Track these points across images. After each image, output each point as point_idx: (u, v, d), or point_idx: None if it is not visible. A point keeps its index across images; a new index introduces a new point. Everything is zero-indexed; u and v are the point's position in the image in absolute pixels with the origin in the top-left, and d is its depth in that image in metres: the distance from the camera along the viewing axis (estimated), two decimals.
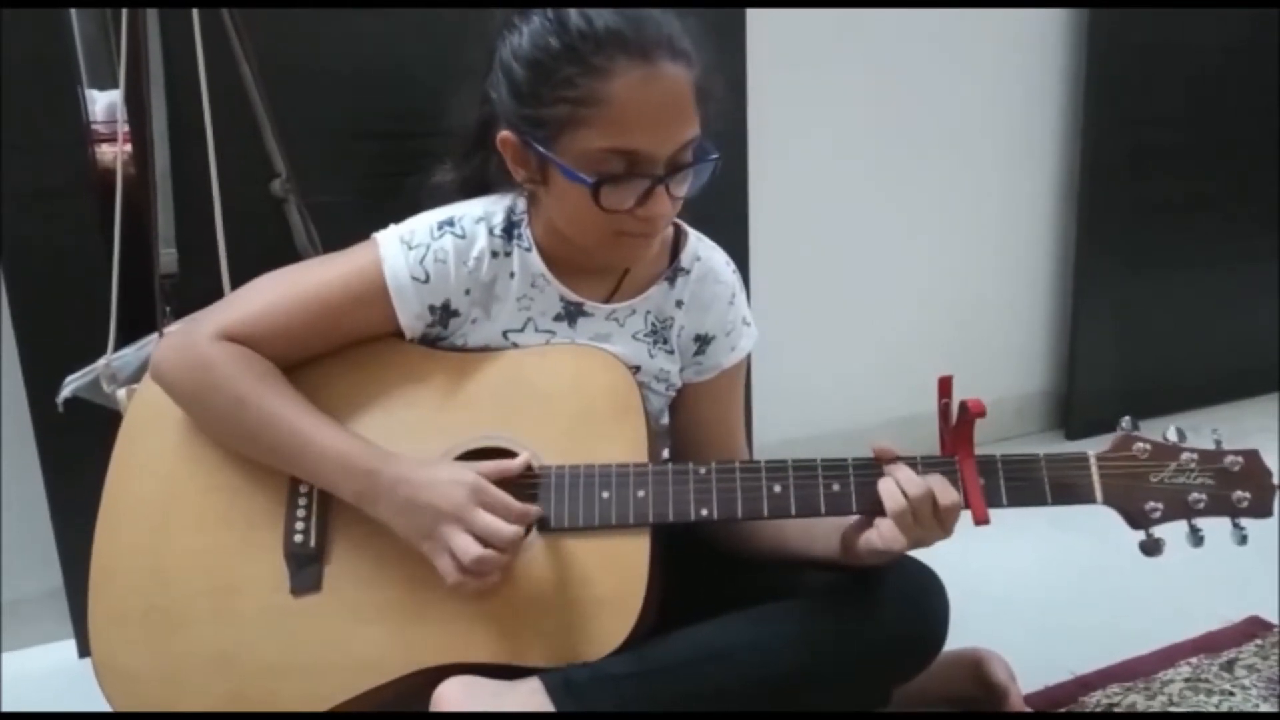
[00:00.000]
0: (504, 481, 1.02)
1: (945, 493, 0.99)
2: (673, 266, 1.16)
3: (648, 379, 1.16)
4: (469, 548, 0.97)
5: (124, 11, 1.30)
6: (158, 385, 1.09)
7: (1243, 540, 1.00)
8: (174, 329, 1.26)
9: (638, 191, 1.00)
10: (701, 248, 1.18)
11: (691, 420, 1.21)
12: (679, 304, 1.16)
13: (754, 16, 1.83)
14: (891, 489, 0.99)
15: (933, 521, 0.99)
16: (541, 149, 1.02)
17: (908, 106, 2.04)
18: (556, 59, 0.98)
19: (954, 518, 1.00)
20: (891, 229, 2.10)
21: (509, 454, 1.06)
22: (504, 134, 1.04)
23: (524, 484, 1.04)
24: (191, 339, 1.06)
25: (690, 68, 1.01)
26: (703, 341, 1.18)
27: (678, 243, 1.17)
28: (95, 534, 1.08)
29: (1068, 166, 2.21)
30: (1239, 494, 1.01)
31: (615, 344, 1.13)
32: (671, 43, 0.99)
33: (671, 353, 1.17)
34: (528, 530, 1.02)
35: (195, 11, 1.31)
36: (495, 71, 1.04)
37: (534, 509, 1.02)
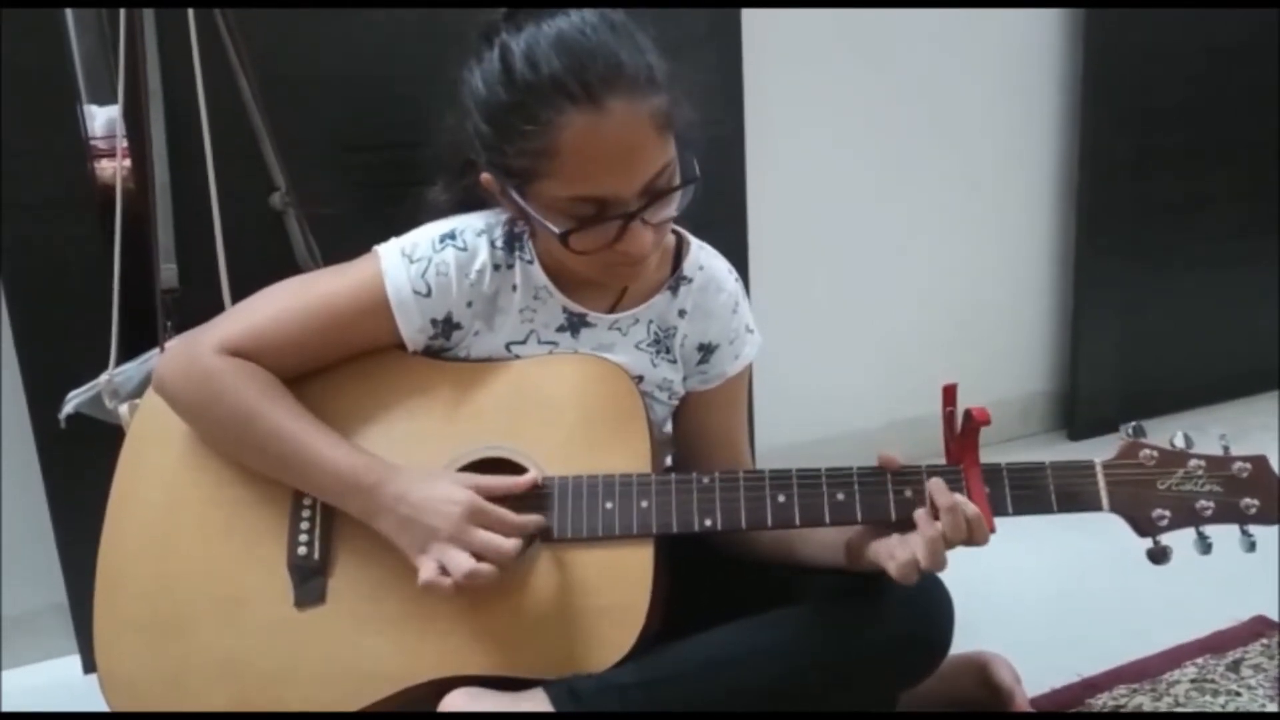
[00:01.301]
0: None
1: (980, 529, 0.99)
2: (675, 275, 1.16)
3: (651, 388, 1.16)
4: (462, 563, 0.97)
5: (121, 13, 1.30)
6: (161, 399, 1.09)
7: (1251, 547, 1.00)
8: (175, 342, 1.26)
9: (612, 230, 1.00)
10: (703, 256, 1.18)
11: (695, 428, 1.21)
12: (682, 313, 1.16)
13: (749, 17, 1.83)
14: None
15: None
16: (515, 195, 1.01)
17: (907, 107, 2.04)
18: (508, 113, 0.97)
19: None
20: (891, 230, 2.09)
21: (512, 464, 1.06)
22: (485, 176, 1.05)
23: (528, 496, 1.04)
24: (194, 352, 1.06)
25: (652, 93, 0.97)
26: (706, 350, 1.18)
27: (679, 251, 1.17)
28: (100, 545, 1.08)
29: (1068, 166, 2.21)
30: (1247, 501, 1.00)
31: (618, 354, 1.13)
32: (621, 73, 0.96)
33: (674, 362, 1.17)
34: (529, 542, 1.02)
35: (192, 24, 1.31)
36: (465, 110, 1.03)
37: (532, 519, 1.01)
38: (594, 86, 0.94)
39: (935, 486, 0.99)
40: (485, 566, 0.97)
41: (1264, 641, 1.44)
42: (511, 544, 0.98)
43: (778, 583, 1.12)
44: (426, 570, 0.98)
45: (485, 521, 0.99)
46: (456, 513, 0.98)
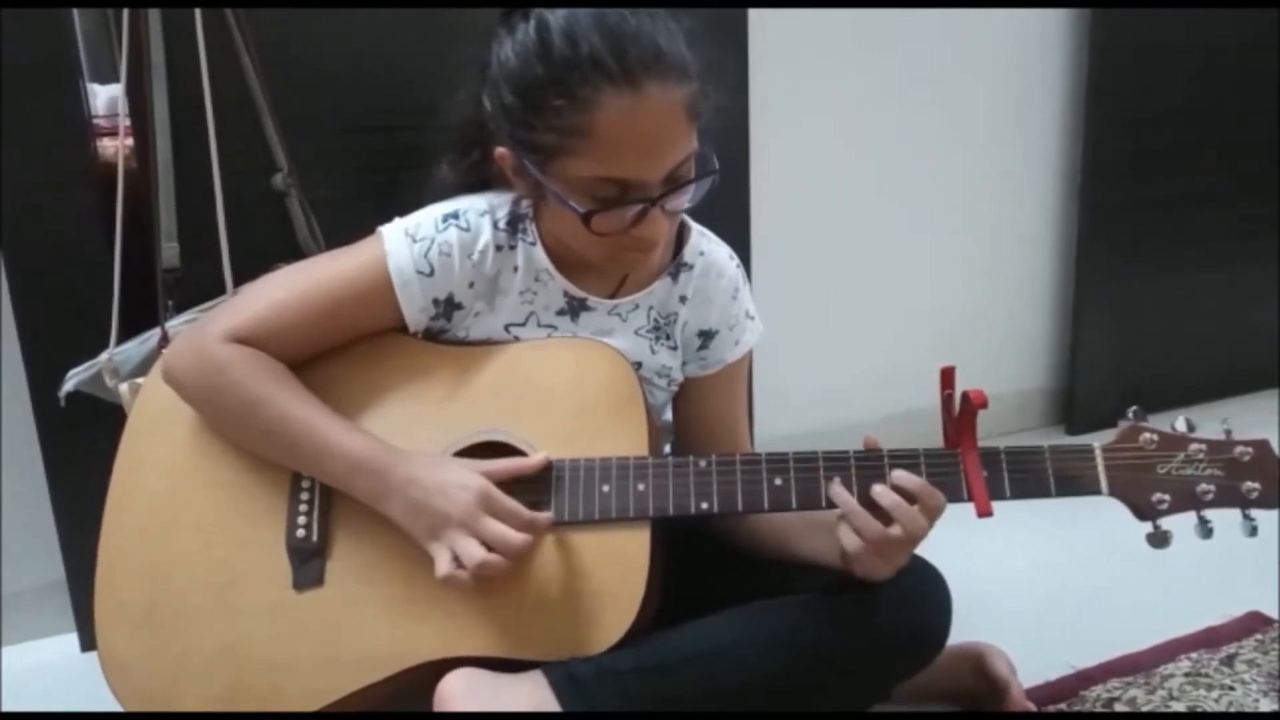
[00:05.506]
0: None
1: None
2: (676, 261, 1.16)
3: (649, 375, 1.16)
4: (474, 553, 0.97)
5: (125, 10, 1.30)
6: (170, 388, 1.09)
7: (1253, 532, 0.99)
8: (180, 326, 1.27)
9: (631, 214, 1.00)
10: (704, 242, 1.18)
11: (695, 415, 1.21)
12: (683, 299, 1.16)
13: (755, 16, 1.83)
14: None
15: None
16: (535, 171, 1.01)
17: (909, 105, 2.04)
18: (542, 87, 0.96)
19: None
20: (893, 227, 2.09)
21: (509, 449, 1.06)
22: (500, 150, 1.04)
23: (529, 476, 1.04)
24: (202, 342, 1.06)
25: (684, 82, 0.98)
26: (706, 337, 1.18)
27: (680, 237, 1.17)
28: (101, 529, 1.08)
29: (1069, 164, 2.21)
30: (1249, 485, 0.99)
31: (617, 339, 1.13)
32: (660, 60, 0.96)
33: (675, 349, 1.17)
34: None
35: (196, 7, 1.31)
36: (488, 81, 1.02)
37: (543, 516, 1.01)
38: (634, 69, 0.95)
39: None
40: (495, 557, 0.97)
41: (1258, 637, 1.44)
42: (520, 538, 0.98)
43: (776, 574, 1.12)
44: (442, 564, 0.98)
45: (496, 511, 0.99)
46: (468, 499, 0.99)
